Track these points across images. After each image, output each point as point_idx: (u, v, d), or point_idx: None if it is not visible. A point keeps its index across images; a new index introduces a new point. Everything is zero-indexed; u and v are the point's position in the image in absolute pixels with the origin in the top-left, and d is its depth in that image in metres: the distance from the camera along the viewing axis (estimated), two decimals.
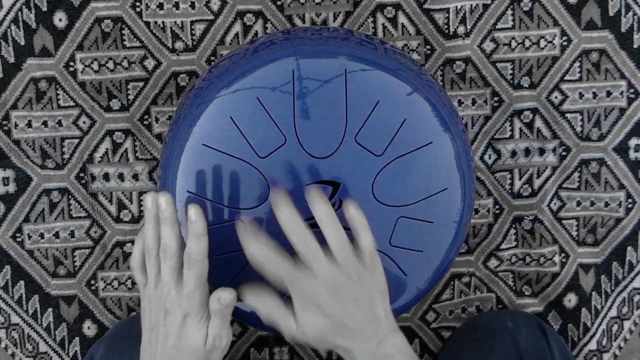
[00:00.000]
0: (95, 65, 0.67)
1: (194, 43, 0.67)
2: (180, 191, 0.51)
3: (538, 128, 0.70)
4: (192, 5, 0.67)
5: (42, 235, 0.69)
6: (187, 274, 0.47)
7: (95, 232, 0.70)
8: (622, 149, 0.70)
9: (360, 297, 0.47)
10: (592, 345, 0.73)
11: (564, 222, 0.71)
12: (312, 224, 0.48)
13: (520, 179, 0.70)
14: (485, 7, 0.68)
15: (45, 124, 0.68)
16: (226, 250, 0.51)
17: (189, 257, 0.46)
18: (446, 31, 0.68)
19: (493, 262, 0.72)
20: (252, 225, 0.45)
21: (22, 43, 0.67)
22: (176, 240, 0.47)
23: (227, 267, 0.51)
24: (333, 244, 0.46)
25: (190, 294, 0.47)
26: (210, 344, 0.48)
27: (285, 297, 0.47)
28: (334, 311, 0.46)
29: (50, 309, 0.70)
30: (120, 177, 0.69)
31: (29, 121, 0.68)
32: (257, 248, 0.45)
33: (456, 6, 0.67)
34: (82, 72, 0.67)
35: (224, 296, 0.47)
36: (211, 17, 0.67)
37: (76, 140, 0.68)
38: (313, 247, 0.46)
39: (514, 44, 0.68)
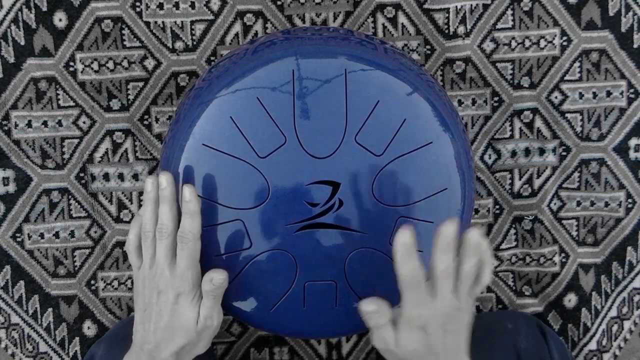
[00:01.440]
0: (95, 65, 0.67)
1: (194, 43, 0.67)
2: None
3: (538, 128, 0.70)
4: (192, 5, 0.67)
5: (42, 235, 0.69)
6: (179, 253, 0.48)
7: (95, 232, 0.70)
8: (622, 149, 0.70)
9: (457, 329, 0.48)
10: (592, 345, 0.73)
11: (564, 222, 0.71)
12: (315, 224, 0.49)
13: (520, 179, 0.70)
14: (485, 7, 0.68)
15: (45, 124, 0.68)
16: (226, 250, 0.51)
17: (182, 236, 0.48)
18: (446, 31, 0.68)
19: (493, 262, 0.72)
20: (413, 240, 0.46)
21: (22, 43, 0.67)
22: (173, 219, 0.48)
23: (227, 267, 0.51)
24: (465, 276, 0.47)
25: (183, 274, 0.48)
26: (202, 324, 0.49)
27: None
28: (436, 338, 0.47)
29: (50, 309, 0.70)
30: (120, 177, 0.69)
31: (29, 121, 0.68)
32: (411, 269, 0.45)
33: (456, 6, 0.67)
34: (82, 72, 0.67)
35: (216, 277, 0.48)
36: (211, 17, 0.67)
37: (76, 140, 0.68)
38: (451, 277, 0.46)
39: (514, 44, 0.68)
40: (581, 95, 0.69)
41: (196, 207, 0.48)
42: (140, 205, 0.69)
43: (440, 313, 0.46)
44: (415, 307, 0.46)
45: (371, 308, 0.48)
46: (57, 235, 0.69)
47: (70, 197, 0.69)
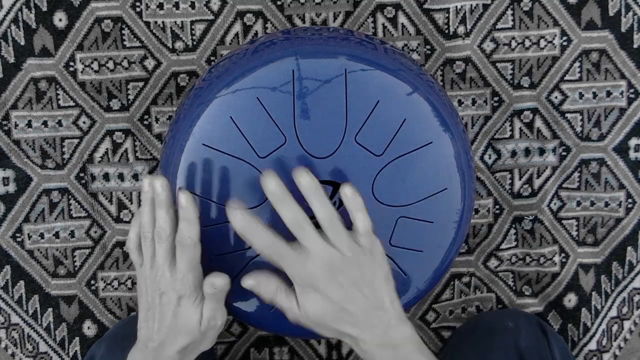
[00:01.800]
0: (95, 65, 0.67)
1: (194, 43, 0.67)
2: None
3: (538, 128, 0.70)
4: (192, 5, 0.67)
5: (42, 235, 0.69)
6: (179, 257, 0.48)
7: (95, 232, 0.70)
8: (622, 149, 0.70)
9: (360, 280, 0.46)
10: (592, 345, 0.73)
11: (564, 222, 0.71)
12: (315, 224, 0.49)
13: (520, 179, 0.70)
14: (485, 7, 0.68)
15: (45, 124, 0.68)
16: (226, 250, 0.51)
17: (181, 242, 0.47)
18: (446, 31, 0.68)
19: (493, 262, 0.72)
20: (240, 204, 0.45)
21: (22, 43, 0.67)
22: (170, 223, 0.48)
23: (227, 267, 0.51)
24: (323, 218, 0.46)
25: (184, 277, 0.48)
26: (205, 325, 0.49)
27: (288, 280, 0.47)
28: (333, 295, 0.46)
29: (50, 309, 0.70)
30: (120, 177, 0.69)
31: (29, 121, 0.68)
32: (242, 219, 0.45)
33: (456, 6, 0.67)
34: (82, 72, 0.67)
35: (217, 282, 0.48)
36: (211, 17, 0.67)
37: (76, 140, 0.68)
38: (305, 223, 0.45)
39: (514, 44, 0.68)
40: (581, 95, 0.69)
41: (193, 214, 0.47)
42: (140, 206, 0.69)
43: (316, 262, 0.45)
44: (290, 267, 0.46)
45: (249, 283, 0.48)
46: (57, 235, 0.69)
47: (70, 197, 0.69)
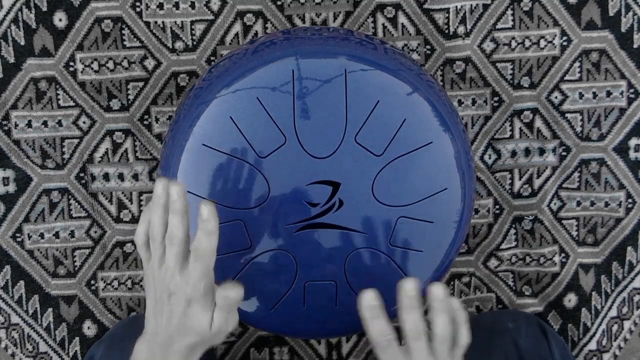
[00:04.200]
0: (95, 65, 0.67)
1: (194, 43, 0.67)
2: None
3: (538, 128, 0.70)
4: (192, 5, 0.67)
5: (42, 235, 0.69)
6: (193, 266, 0.47)
7: (95, 232, 0.70)
8: (622, 149, 0.70)
9: None
10: (592, 345, 0.73)
11: (564, 222, 0.71)
12: (315, 224, 0.49)
13: (520, 179, 0.70)
14: (485, 7, 0.68)
15: (45, 124, 0.68)
16: (226, 250, 0.51)
17: (196, 251, 0.46)
18: (446, 31, 0.68)
19: (493, 262, 0.72)
20: (377, 302, 0.46)
21: (22, 43, 0.67)
22: (183, 229, 0.47)
23: (227, 267, 0.51)
24: (442, 334, 0.46)
25: (195, 284, 0.47)
26: (217, 330, 0.48)
27: None
28: None
29: (50, 309, 0.70)
30: (120, 177, 0.69)
31: (29, 121, 0.68)
32: (379, 330, 0.46)
33: (456, 6, 0.67)
34: (82, 72, 0.67)
35: (231, 295, 0.47)
36: (211, 17, 0.67)
37: (76, 140, 0.68)
38: (424, 335, 0.46)
39: (514, 44, 0.68)
40: (581, 95, 0.69)
41: (214, 227, 0.46)
42: (140, 206, 0.69)
43: None
44: None
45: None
46: (57, 235, 0.69)
47: (70, 197, 0.69)
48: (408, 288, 0.46)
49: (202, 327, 0.48)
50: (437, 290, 0.46)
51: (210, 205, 0.46)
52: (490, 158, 0.70)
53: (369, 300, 0.46)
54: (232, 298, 0.47)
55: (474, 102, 0.69)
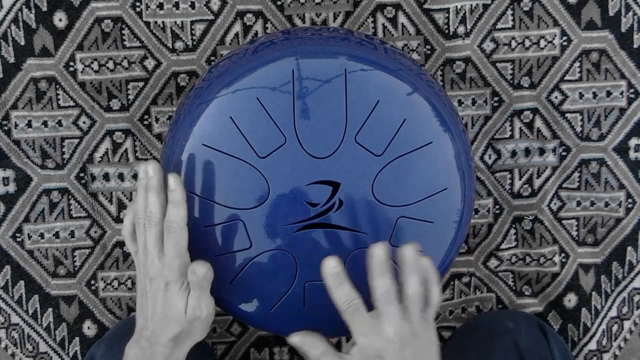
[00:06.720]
0: (95, 65, 0.67)
1: (194, 43, 0.67)
2: None
3: (538, 128, 0.70)
4: (192, 5, 0.67)
5: (42, 235, 0.69)
6: (166, 242, 0.48)
7: (95, 232, 0.70)
8: (622, 149, 0.70)
9: (423, 353, 0.47)
10: (592, 345, 0.73)
11: (564, 222, 0.71)
12: (315, 224, 0.49)
13: (520, 179, 0.70)
14: (485, 7, 0.68)
15: (45, 124, 0.68)
16: (226, 250, 0.51)
17: (168, 225, 0.48)
18: (446, 31, 0.68)
19: (493, 262, 0.72)
20: (340, 268, 0.47)
21: (22, 43, 0.67)
22: (160, 208, 0.48)
23: (227, 267, 0.51)
24: (413, 295, 0.46)
25: (170, 263, 0.48)
26: (191, 314, 0.49)
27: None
28: None
29: (50, 309, 0.70)
30: (120, 177, 0.69)
31: (29, 121, 0.68)
32: (345, 295, 0.46)
33: (456, 6, 0.67)
34: (82, 72, 0.67)
35: (198, 269, 0.48)
36: (211, 17, 0.67)
37: (76, 140, 0.68)
38: (395, 298, 0.46)
39: (514, 44, 0.68)
40: (581, 95, 0.69)
41: (181, 196, 0.47)
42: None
43: (393, 340, 0.45)
44: (363, 335, 0.46)
45: (295, 340, 0.50)
46: (57, 235, 0.69)
47: (70, 197, 0.69)
48: (378, 253, 0.46)
49: (179, 312, 0.48)
50: (407, 251, 0.46)
51: (176, 176, 0.47)
52: (490, 158, 0.70)
53: (332, 268, 0.46)
54: (200, 272, 0.48)
55: (474, 102, 0.69)
